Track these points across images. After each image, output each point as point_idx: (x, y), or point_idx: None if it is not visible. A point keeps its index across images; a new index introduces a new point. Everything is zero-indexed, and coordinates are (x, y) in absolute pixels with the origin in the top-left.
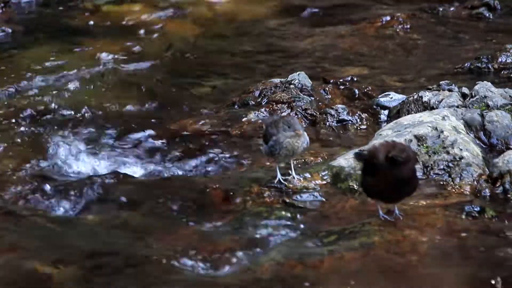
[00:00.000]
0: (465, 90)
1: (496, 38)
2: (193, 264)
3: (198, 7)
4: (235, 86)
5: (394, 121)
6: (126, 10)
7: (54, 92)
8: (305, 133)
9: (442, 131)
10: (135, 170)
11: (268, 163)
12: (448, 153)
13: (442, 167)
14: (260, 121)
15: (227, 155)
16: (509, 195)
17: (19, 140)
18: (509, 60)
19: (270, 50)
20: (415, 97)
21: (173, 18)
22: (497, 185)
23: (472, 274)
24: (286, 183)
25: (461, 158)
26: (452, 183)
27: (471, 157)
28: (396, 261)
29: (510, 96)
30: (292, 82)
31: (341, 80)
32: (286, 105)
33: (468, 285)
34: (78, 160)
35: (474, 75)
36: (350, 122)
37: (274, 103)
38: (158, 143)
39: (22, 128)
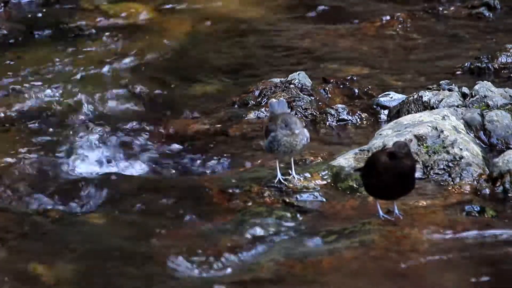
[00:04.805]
0: (465, 90)
1: (496, 38)
2: (193, 264)
3: (198, 6)
4: (235, 86)
5: (394, 121)
6: (126, 10)
7: (54, 92)
8: (305, 129)
9: (442, 131)
10: (135, 169)
11: (268, 163)
12: (448, 152)
13: (442, 166)
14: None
15: (227, 155)
16: (509, 195)
17: (19, 139)
18: (509, 60)
19: (270, 49)
20: (415, 96)
21: (173, 18)
22: (497, 185)
23: (472, 274)
24: (286, 183)
25: (461, 157)
26: (452, 182)
27: (471, 156)
28: (396, 261)
29: (510, 95)
30: (292, 81)
31: (341, 80)
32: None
33: (468, 285)
34: (77, 160)
35: (474, 75)
36: (350, 121)
37: None
38: (158, 143)
39: (21, 128)
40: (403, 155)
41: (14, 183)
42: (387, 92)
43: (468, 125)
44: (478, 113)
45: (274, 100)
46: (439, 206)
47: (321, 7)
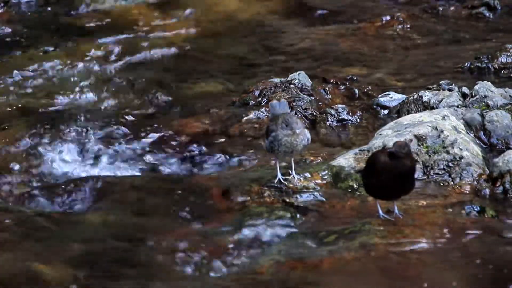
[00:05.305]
0: (465, 90)
1: (496, 38)
2: (193, 264)
3: (198, 6)
4: (235, 86)
5: (394, 121)
6: (125, 10)
7: (55, 92)
8: (306, 130)
9: (442, 131)
10: (135, 170)
11: (268, 163)
12: (448, 152)
13: (442, 166)
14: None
15: (227, 155)
16: (509, 195)
17: (18, 139)
18: (509, 60)
19: (270, 49)
20: (415, 96)
21: (172, 18)
22: (497, 185)
23: (472, 274)
24: (286, 183)
25: (461, 157)
26: (452, 182)
27: (471, 156)
28: (396, 261)
29: (510, 95)
30: (292, 81)
31: (341, 80)
32: None
33: (468, 285)
34: (77, 159)
35: (474, 75)
36: (350, 122)
37: None
38: (158, 143)
39: (20, 128)
40: (403, 155)
41: (13, 183)
42: (387, 92)
43: (468, 125)
44: (478, 113)
45: (275, 101)
46: (439, 206)
47: (321, 7)
